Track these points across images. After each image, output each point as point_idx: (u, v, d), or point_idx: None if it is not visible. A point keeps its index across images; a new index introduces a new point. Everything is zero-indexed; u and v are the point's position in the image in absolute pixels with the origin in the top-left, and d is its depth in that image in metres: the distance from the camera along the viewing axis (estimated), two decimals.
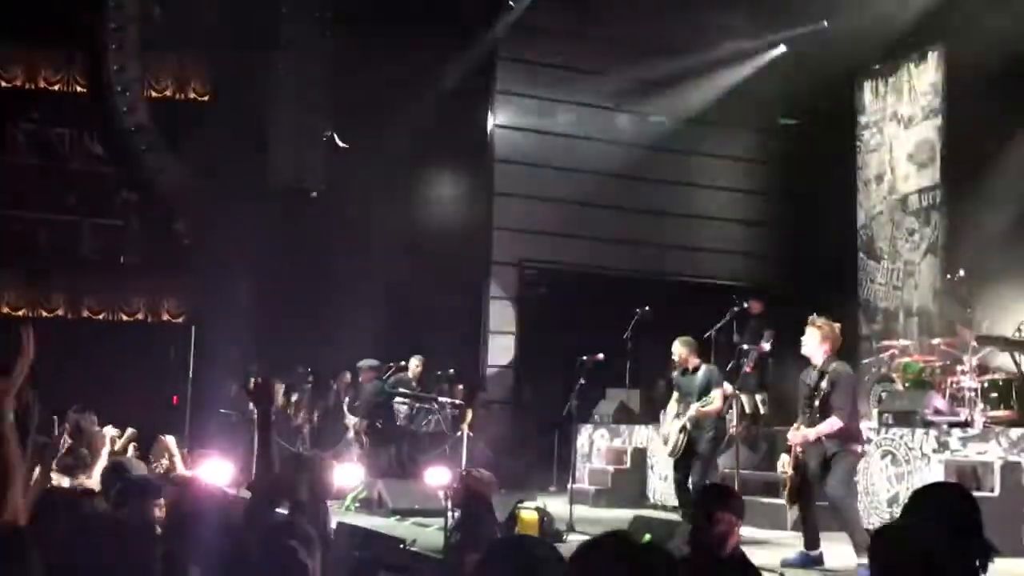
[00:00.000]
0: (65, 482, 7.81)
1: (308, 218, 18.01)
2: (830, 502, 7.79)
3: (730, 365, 11.42)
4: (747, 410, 12.71)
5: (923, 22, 14.60)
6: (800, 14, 16.42)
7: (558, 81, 17.39)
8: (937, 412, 9.94)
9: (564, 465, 13.10)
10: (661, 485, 12.69)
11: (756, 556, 7.86)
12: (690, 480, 9.54)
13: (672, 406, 10.04)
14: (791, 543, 8.61)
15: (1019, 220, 12.65)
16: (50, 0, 18.33)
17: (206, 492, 4.73)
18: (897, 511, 8.47)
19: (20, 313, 19.69)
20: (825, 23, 16.22)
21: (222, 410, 15.01)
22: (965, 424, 9.74)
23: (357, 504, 11.68)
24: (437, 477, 8.62)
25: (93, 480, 7.68)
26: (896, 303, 15.33)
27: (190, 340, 14.84)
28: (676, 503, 10.34)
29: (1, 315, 19.48)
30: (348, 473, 12.43)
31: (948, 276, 12.45)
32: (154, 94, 19.42)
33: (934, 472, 9.19)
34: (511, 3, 16.40)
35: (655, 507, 12.19)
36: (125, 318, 20.16)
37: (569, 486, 11.11)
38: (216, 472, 7.68)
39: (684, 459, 9.72)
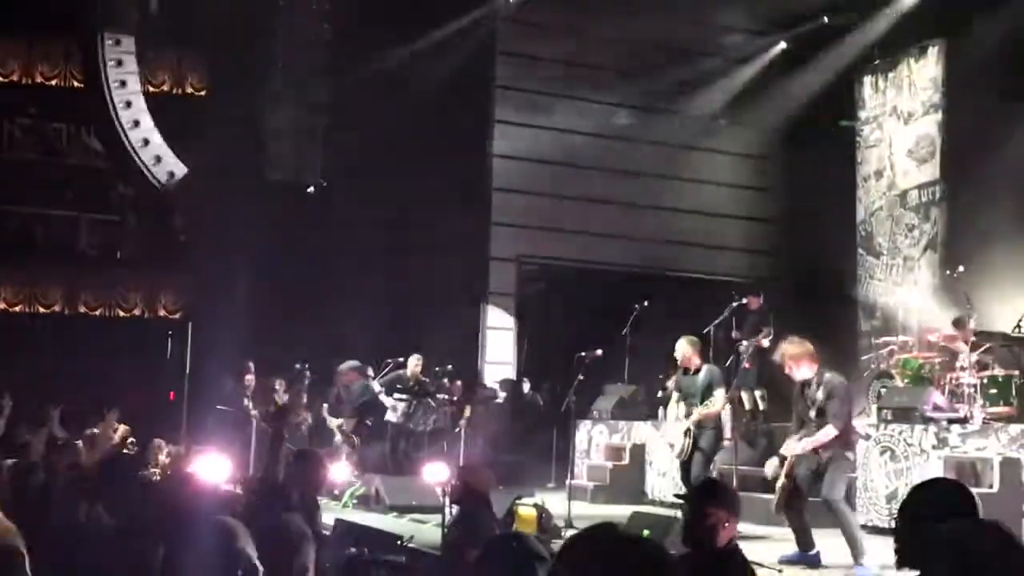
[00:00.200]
0: None
1: (305, 214, 17.98)
2: (828, 507, 7.77)
3: (729, 361, 11.41)
4: (746, 406, 12.70)
5: (923, 17, 14.57)
6: (800, 10, 16.39)
7: (557, 76, 17.35)
8: (936, 408, 9.92)
9: (562, 461, 13.09)
10: (660, 481, 12.67)
11: (755, 552, 7.85)
12: (691, 475, 9.52)
13: (673, 407, 10.01)
14: (790, 539, 8.58)
15: (1019, 216, 12.62)
16: None
17: (203, 489, 4.71)
18: (895, 507, 8.43)
19: (17, 308, 19.68)
20: (825, 19, 16.19)
21: (219, 406, 14.96)
22: (964, 420, 9.72)
23: (355, 501, 11.67)
24: (435, 473, 8.59)
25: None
26: (895, 299, 15.30)
27: (187, 336, 14.80)
28: (674, 499, 10.32)
29: None
30: (340, 471, 12.45)
31: (948, 272, 12.43)
32: (152, 89, 19.38)
33: (933, 468, 9.16)
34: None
35: (653, 503, 12.16)
36: (122, 314, 20.14)
37: (567, 482, 11.09)
38: (213, 468, 7.63)
39: (691, 460, 9.71)
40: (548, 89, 17.43)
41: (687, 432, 9.59)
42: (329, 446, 13.62)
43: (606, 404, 14.12)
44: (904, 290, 15.16)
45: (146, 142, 18.19)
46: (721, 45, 17.75)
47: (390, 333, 15.33)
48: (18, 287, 19.79)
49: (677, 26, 16.94)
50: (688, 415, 9.63)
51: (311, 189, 18.54)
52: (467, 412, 14.21)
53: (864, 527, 9.16)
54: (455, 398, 14.71)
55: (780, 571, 7.50)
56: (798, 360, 8.00)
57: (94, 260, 20.09)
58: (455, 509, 7.12)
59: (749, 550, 7.73)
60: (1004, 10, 12.90)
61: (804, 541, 8.04)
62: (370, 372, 14.34)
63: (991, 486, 8.75)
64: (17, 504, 3.78)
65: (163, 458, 11.41)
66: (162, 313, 20.26)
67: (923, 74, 15.14)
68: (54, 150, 20.22)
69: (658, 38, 17.10)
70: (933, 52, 14.95)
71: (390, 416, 14.00)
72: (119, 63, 18.15)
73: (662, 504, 11.91)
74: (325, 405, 14.28)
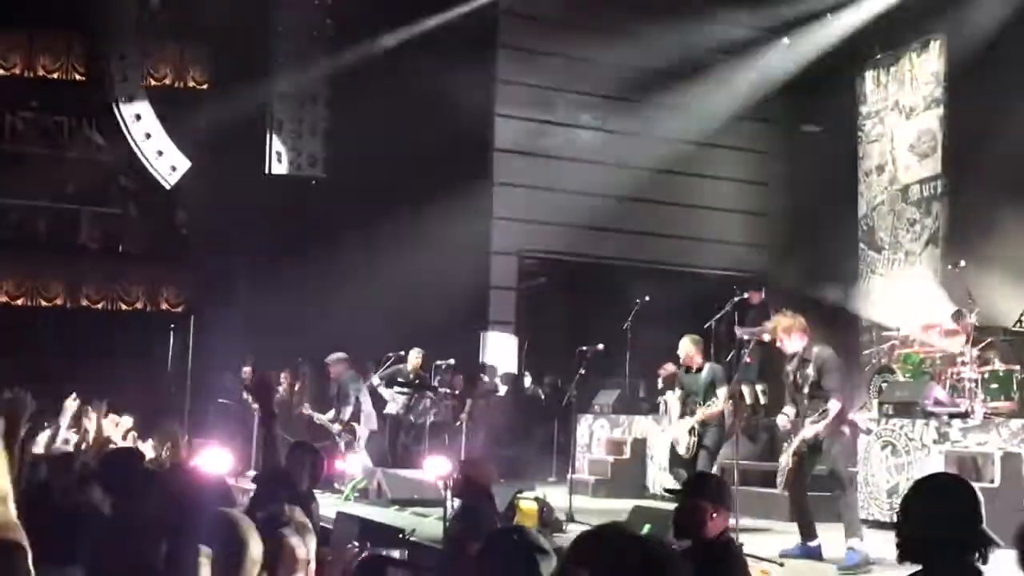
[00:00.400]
0: None
1: (308, 206, 17.99)
2: (832, 475, 7.86)
3: (730, 355, 11.42)
4: (747, 400, 12.71)
5: (925, 11, 14.55)
6: (802, 4, 16.36)
7: (559, 70, 17.34)
8: (937, 403, 9.93)
9: (563, 455, 13.11)
10: (661, 476, 12.68)
11: (756, 545, 7.89)
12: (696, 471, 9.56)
13: (676, 405, 10.05)
14: (790, 532, 8.61)
15: (1021, 210, 12.60)
16: None
17: (207, 481, 4.72)
18: (897, 502, 8.45)
19: (19, 302, 19.68)
20: (829, 16, 16.15)
21: (220, 399, 15.01)
22: (965, 415, 9.72)
23: (356, 494, 11.68)
24: (436, 467, 8.60)
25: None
26: (897, 294, 15.29)
27: (189, 329, 14.82)
28: (664, 493, 10.42)
29: (0, 303, 19.48)
30: (353, 462, 12.46)
31: (949, 267, 12.42)
32: (153, 82, 19.37)
33: (934, 463, 9.18)
34: None
35: (654, 497, 12.18)
36: (124, 307, 20.14)
37: (569, 476, 11.12)
38: (215, 461, 7.65)
39: (696, 457, 9.77)
40: (549, 83, 17.41)
41: (692, 430, 9.65)
42: (327, 440, 13.61)
43: (607, 398, 14.14)
44: (905, 285, 15.15)
45: (148, 135, 18.20)
46: (724, 39, 17.71)
47: (391, 327, 15.34)
48: (19, 280, 19.79)
49: (680, 20, 16.91)
50: (692, 413, 9.69)
51: (313, 183, 18.56)
52: (468, 406, 14.23)
53: (865, 522, 9.18)
54: (456, 392, 14.73)
55: (781, 564, 7.52)
56: (789, 331, 8.15)
57: (96, 253, 20.09)
58: (456, 503, 7.15)
59: (750, 543, 7.83)
60: (1006, 3, 12.88)
61: (806, 526, 8.07)
62: (368, 371, 14.33)
63: (992, 481, 8.75)
64: (18, 498, 3.78)
65: (164, 453, 11.41)
66: (164, 307, 20.27)
67: (925, 68, 15.12)
68: (56, 143, 20.20)
69: (660, 32, 17.07)
70: (935, 46, 14.93)
71: (390, 409, 14.01)
72: (121, 57, 18.16)
73: (663, 498, 11.93)
74: (306, 404, 14.04)
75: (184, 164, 18.27)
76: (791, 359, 8.20)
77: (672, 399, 10.60)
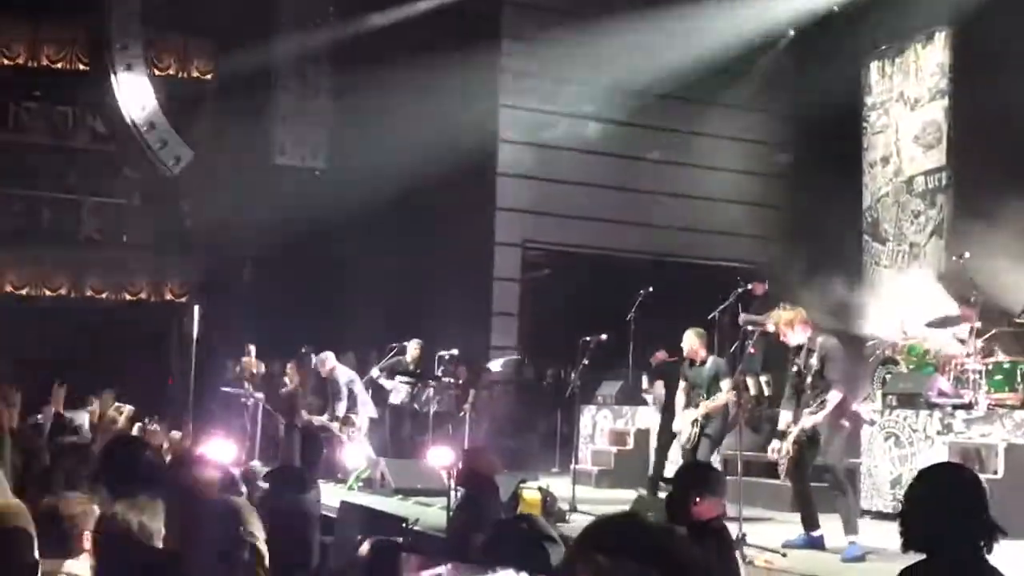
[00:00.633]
0: None
1: (311, 197, 17.98)
2: (827, 471, 7.87)
3: (734, 346, 11.41)
4: (751, 391, 12.71)
5: (930, 2, 14.51)
6: None
7: (563, 60, 17.31)
8: (941, 394, 9.92)
9: (567, 446, 13.12)
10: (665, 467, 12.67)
11: (759, 535, 7.90)
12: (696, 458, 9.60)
13: (680, 396, 10.07)
14: (793, 523, 8.62)
15: None
16: None
17: (211, 470, 4.72)
18: (900, 493, 8.46)
19: (23, 292, 19.70)
20: (836, 8, 16.11)
21: (224, 388, 15.02)
22: (969, 406, 9.72)
23: (360, 483, 11.70)
24: (440, 457, 8.62)
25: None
26: (901, 285, 15.27)
27: (193, 319, 14.83)
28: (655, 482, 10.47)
29: (4, 294, 19.49)
30: (355, 453, 12.48)
31: (953, 258, 12.40)
32: (157, 73, 19.37)
33: (938, 454, 9.16)
34: None
35: (663, 489, 12.17)
36: (128, 297, 20.16)
37: (572, 467, 11.13)
38: (219, 450, 7.66)
39: (697, 446, 9.80)
40: (555, 73, 17.38)
41: (694, 422, 9.69)
42: (328, 433, 13.62)
43: (610, 389, 14.14)
44: (910, 276, 15.13)
45: (152, 126, 18.19)
46: (728, 29, 17.66)
47: (395, 317, 15.35)
48: (24, 270, 19.81)
49: (685, 10, 16.86)
50: (696, 406, 9.72)
51: (317, 174, 18.55)
52: (471, 396, 14.24)
53: (868, 513, 9.20)
54: (459, 382, 14.74)
55: (784, 555, 7.52)
56: (791, 324, 8.11)
57: (100, 244, 20.11)
58: (460, 492, 7.16)
59: (753, 533, 7.84)
60: None
61: (809, 516, 8.07)
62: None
63: (996, 472, 8.75)
64: (21, 485, 3.80)
65: (165, 442, 11.44)
66: (168, 297, 20.29)
67: (930, 60, 15.08)
68: (60, 133, 20.21)
69: (665, 22, 17.03)
70: (940, 37, 14.89)
71: (393, 399, 14.02)
72: (125, 47, 18.14)
73: (666, 489, 11.92)
74: (303, 412, 13.98)
75: (188, 154, 18.26)
76: (795, 351, 8.18)
77: (671, 390, 10.67)
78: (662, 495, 9.98)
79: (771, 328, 10.90)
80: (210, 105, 18.85)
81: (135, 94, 18.15)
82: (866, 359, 13.14)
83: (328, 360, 13.17)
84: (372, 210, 16.56)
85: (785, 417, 8.15)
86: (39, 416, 10.44)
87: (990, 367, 10.22)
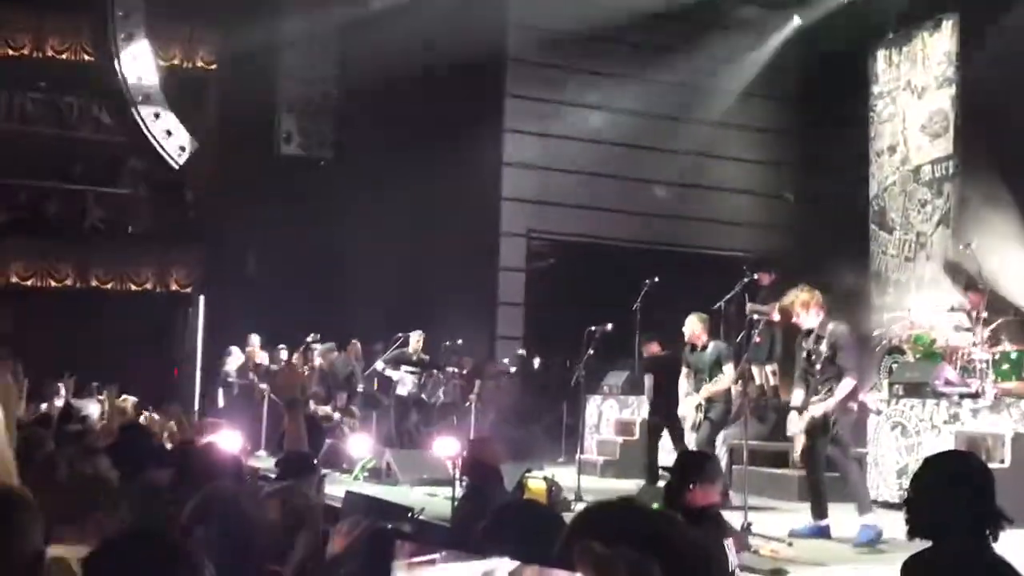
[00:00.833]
0: None
1: (316, 187, 17.97)
2: (832, 458, 7.86)
3: (740, 336, 11.38)
4: (756, 381, 12.70)
5: None
6: None
7: (570, 49, 17.26)
8: (948, 383, 9.89)
9: (572, 436, 13.11)
10: (670, 457, 12.65)
11: (765, 525, 7.89)
12: (696, 442, 9.62)
13: (683, 382, 10.09)
14: (799, 512, 8.61)
15: None
16: None
17: (221, 459, 4.72)
18: (906, 482, 8.44)
19: (29, 283, 19.74)
20: None
21: (229, 379, 15.04)
22: (976, 395, 9.69)
23: (366, 474, 11.70)
24: (445, 447, 8.61)
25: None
26: (908, 274, 15.24)
27: (198, 309, 14.85)
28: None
29: (10, 284, 19.53)
30: (359, 444, 12.48)
31: (960, 247, 12.36)
32: (162, 63, 19.35)
33: (944, 443, 9.13)
34: None
35: (663, 478, 12.16)
36: (133, 288, 20.18)
37: (577, 457, 11.13)
38: (226, 441, 7.65)
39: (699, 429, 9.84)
40: (560, 63, 17.33)
41: (698, 407, 9.71)
42: (331, 423, 13.66)
43: (616, 379, 14.12)
44: (916, 265, 15.09)
45: (157, 116, 18.20)
46: (735, 19, 17.62)
47: (400, 307, 15.34)
48: (30, 261, 19.83)
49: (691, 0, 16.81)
50: (698, 390, 9.74)
51: (322, 163, 18.53)
52: (477, 387, 14.24)
53: (874, 502, 9.17)
54: (465, 372, 14.74)
55: (790, 544, 7.51)
56: (807, 305, 8.07)
57: (105, 234, 20.13)
58: (465, 482, 7.15)
59: (759, 523, 7.82)
60: None
61: (818, 505, 8.06)
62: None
63: (1002, 461, 8.72)
64: (24, 473, 3.79)
65: (166, 432, 11.45)
66: (174, 287, 20.30)
67: (937, 48, 15.01)
68: (65, 124, 20.22)
69: (673, 10, 16.98)
70: (947, 26, 14.82)
71: (400, 390, 14.02)
72: (129, 37, 18.14)
73: (664, 477, 11.91)
74: (311, 402, 14.00)
75: (193, 145, 18.26)
76: (806, 335, 8.15)
77: (660, 383, 10.73)
78: (662, 484, 10.01)
79: (777, 318, 10.91)
80: (215, 95, 18.82)
81: (140, 84, 18.15)
82: (872, 348, 13.11)
83: (327, 352, 13.20)
84: (376, 199, 16.55)
85: (798, 395, 8.16)
86: (44, 405, 10.48)
87: (997, 356, 10.20)
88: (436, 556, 1.65)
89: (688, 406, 9.87)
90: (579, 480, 10.09)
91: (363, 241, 16.69)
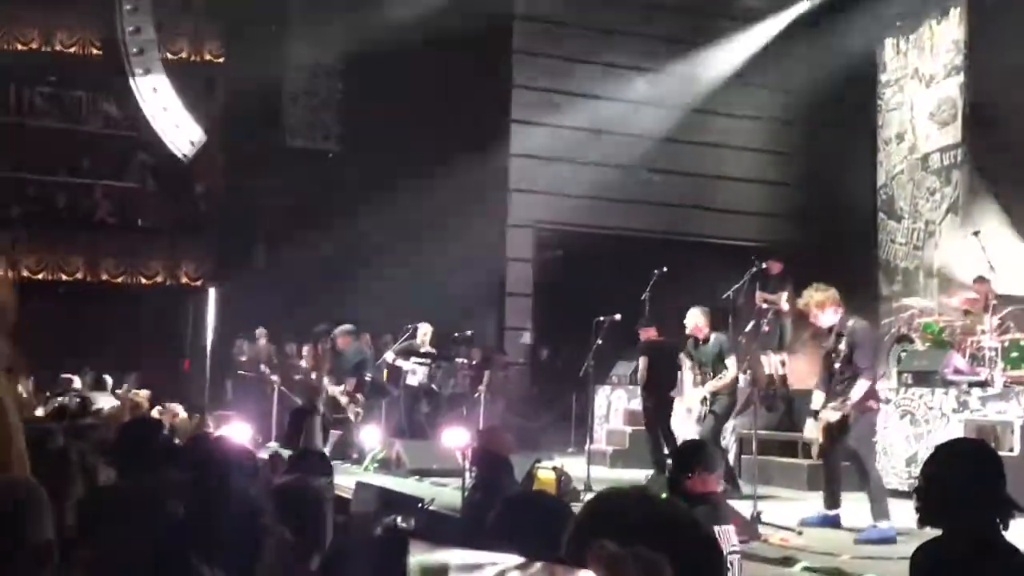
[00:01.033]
0: None
1: (325, 179, 17.98)
2: (851, 459, 7.81)
3: (749, 325, 11.39)
4: (765, 371, 12.69)
5: None
6: None
7: (577, 41, 17.24)
8: (957, 372, 9.90)
9: (581, 426, 13.13)
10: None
11: (774, 514, 7.90)
12: (699, 434, 9.65)
13: (687, 375, 10.11)
14: (808, 501, 8.61)
15: None
16: None
17: (231, 452, 4.74)
18: (915, 471, 8.44)
19: (40, 277, 19.79)
20: None
21: (239, 371, 15.08)
22: (985, 384, 9.69)
23: (376, 464, 11.73)
24: (455, 438, 8.64)
25: None
26: (916, 263, 15.23)
27: (208, 303, 14.89)
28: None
29: (20, 278, 19.58)
30: (370, 435, 12.51)
31: (968, 235, 12.35)
32: (170, 56, 19.36)
33: (953, 432, 9.14)
34: None
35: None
36: (144, 281, 20.23)
37: (587, 447, 11.15)
38: (237, 433, 7.70)
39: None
40: (567, 54, 17.32)
41: (704, 400, 9.75)
42: (340, 412, 13.66)
43: (625, 369, 14.13)
44: (925, 254, 15.08)
45: (165, 109, 18.20)
46: (742, 6, 17.58)
47: (409, 299, 15.36)
48: (40, 255, 19.89)
49: None
50: (703, 383, 9.78)
51: (329, 155, 18.55)
52: (486, 377, 14.27)
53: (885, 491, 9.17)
54: (474, 363, 14.76)
55: (800, 533, 7.52)
56: (822, 306, 7.93)
57: (114, 228, 20.17)
58: (475, 472, 7.17)
59: (769, 512, 7.84)
60: None
61: (831, 495, 8.04)
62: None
63: (1011, 450, 8.73)
64: (35, 469, 3.82)
65: (171, 425, 11.48)
66: (184, 280, 20.35)
67: (945, 36, 14.97)
68: (73, 118, 20.25)
69: (680, 2, 16.96)
70: (955, 14, 14.78)
71: (411, 381, 14.05)
72: (137, 30, 18.13)
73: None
74: (324, 379, 14.05)
75: (201, 137, 18.27)
76: (827, 334, 8.02)
77: (653, 370, 10.76)
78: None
79: (785, 307, 10.92)
80: (223, 88, 18.83)
81: (148, 77, 18.15)
82: (881, 337, 13.12)
83: (344, 334, 13.21)
84: (384, 192, 16.55)
85: (818, 398, 8.02)
86: (57, 400, 10.51)
87: (1006, 344, 10.21)
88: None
89: (694, 399, 9.90)
90: (588, 470, 10.11)
91: (370, 233, 16.70)
